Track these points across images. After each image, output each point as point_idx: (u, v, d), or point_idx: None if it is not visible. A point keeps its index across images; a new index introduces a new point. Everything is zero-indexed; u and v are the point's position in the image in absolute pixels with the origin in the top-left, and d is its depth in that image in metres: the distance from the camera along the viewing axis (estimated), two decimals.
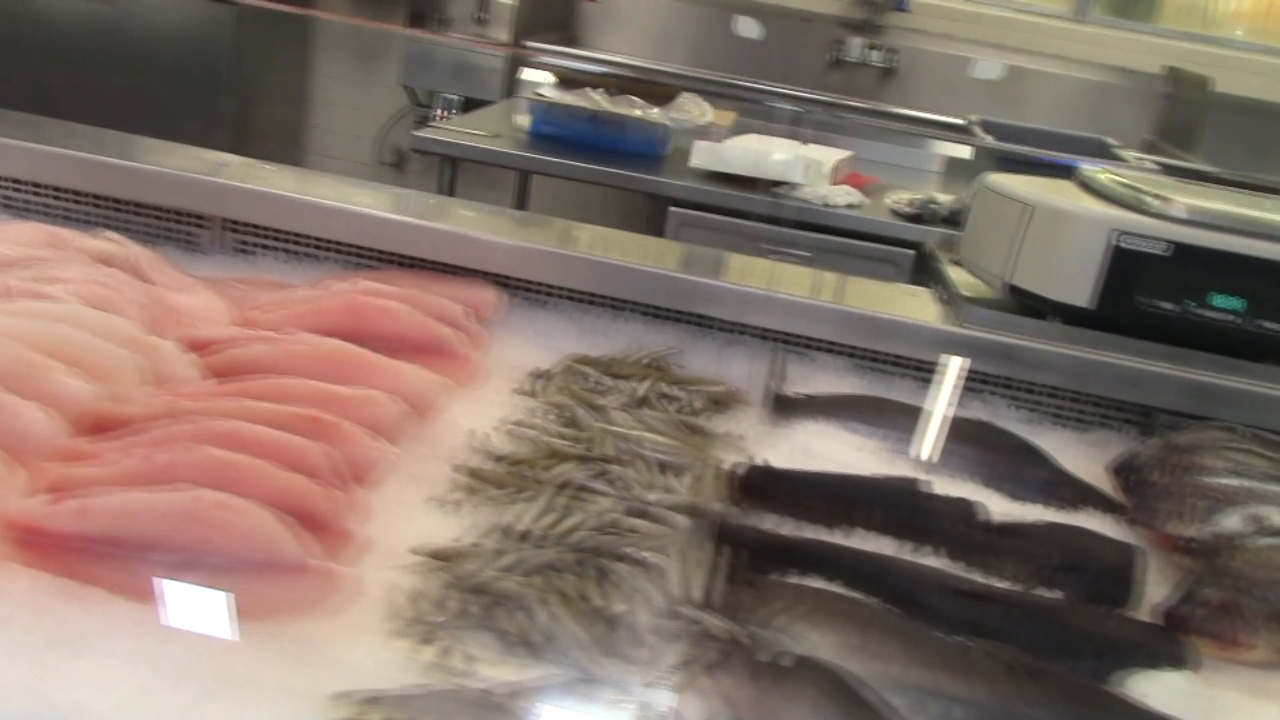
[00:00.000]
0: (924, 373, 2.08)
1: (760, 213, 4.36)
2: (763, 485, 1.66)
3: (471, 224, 2.13)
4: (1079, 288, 2.01)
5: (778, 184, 4.29)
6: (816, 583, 1.49)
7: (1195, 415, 2.00)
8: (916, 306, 2.13)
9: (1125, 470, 1.91)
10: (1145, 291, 2.00)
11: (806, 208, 4.20)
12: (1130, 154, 4.92)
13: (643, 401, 1.92)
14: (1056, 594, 1.60)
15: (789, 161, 4.33)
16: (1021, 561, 1.63)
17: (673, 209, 4.59)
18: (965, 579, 1.52)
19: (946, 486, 1.80)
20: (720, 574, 1.49)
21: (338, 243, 2.12)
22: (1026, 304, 2.09)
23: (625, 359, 2.04)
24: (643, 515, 1.59)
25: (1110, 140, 5.09)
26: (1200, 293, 1.99)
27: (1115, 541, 1.69)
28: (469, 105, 6.31)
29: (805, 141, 4.74)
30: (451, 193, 4.93)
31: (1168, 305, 2.00)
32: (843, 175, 4.52)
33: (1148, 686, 1.43)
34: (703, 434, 1.88)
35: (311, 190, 2.13)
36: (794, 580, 1.50)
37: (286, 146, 7.45)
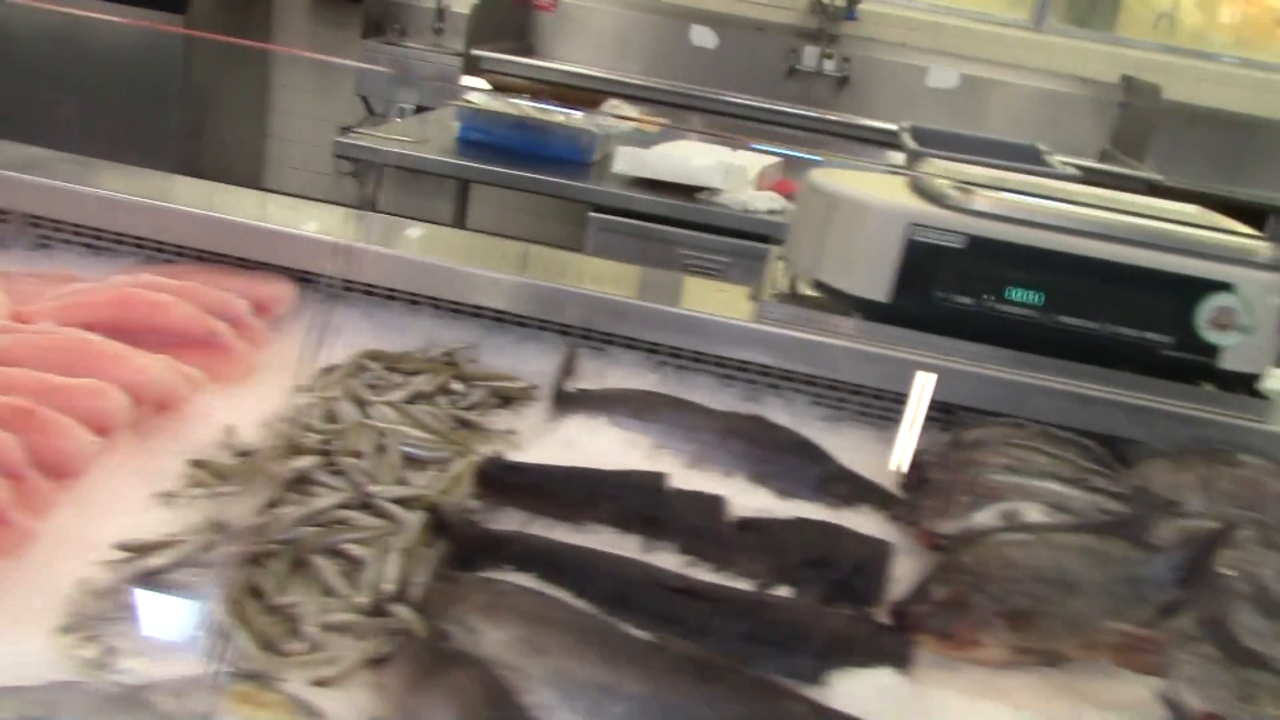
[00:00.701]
0: (725, 369, 2.04)
1: (681, 218, 4.34)
2: (502, 480, 1.63)
3: (270, 218, 2.10)
4: (877, 282, 1.97)
5: (699, 190, 4.27)
6: (525, 578, 1.45)
7: (993, 411, 1.95)
8: (723, 303, 2.09)
9: (910, 467, 1.87)
10: (942, 285, 1.96)
11: (727, 213, 4.17)
12: (1059, 159, 4.87)
13: (422, 397, 1.89)
14: (800, 591, 1.56)
15: (710, 167, 4.30)
16: (764, 558, 1.59)
17: (591, 214, 4.56)
18: (678, 575, 1.48)
19: (714, 483, 1.76)
20: (426, 568, 1.46)
21: (135, 237, 2.09)
22: (833, 300, 2.05)
23: (416, 355, 2.01)
24: (367, 509, 1.56)
25: (1043, 146, 5.04)
26: (998, 286, 1.95)
27: (866, 538, 1.65)
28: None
29: (736, 148, 4.71)
30: (375, 200, 4.92)
31: (965, 299, 1.96)
32: (770, 181, 4.48)
33: (857, 685, 1.39)
34: (476, 429, 1.85)
35: (111, 184, 2.10)
36: (500, 575, 1.46)
37: (246, 158, 7.47)
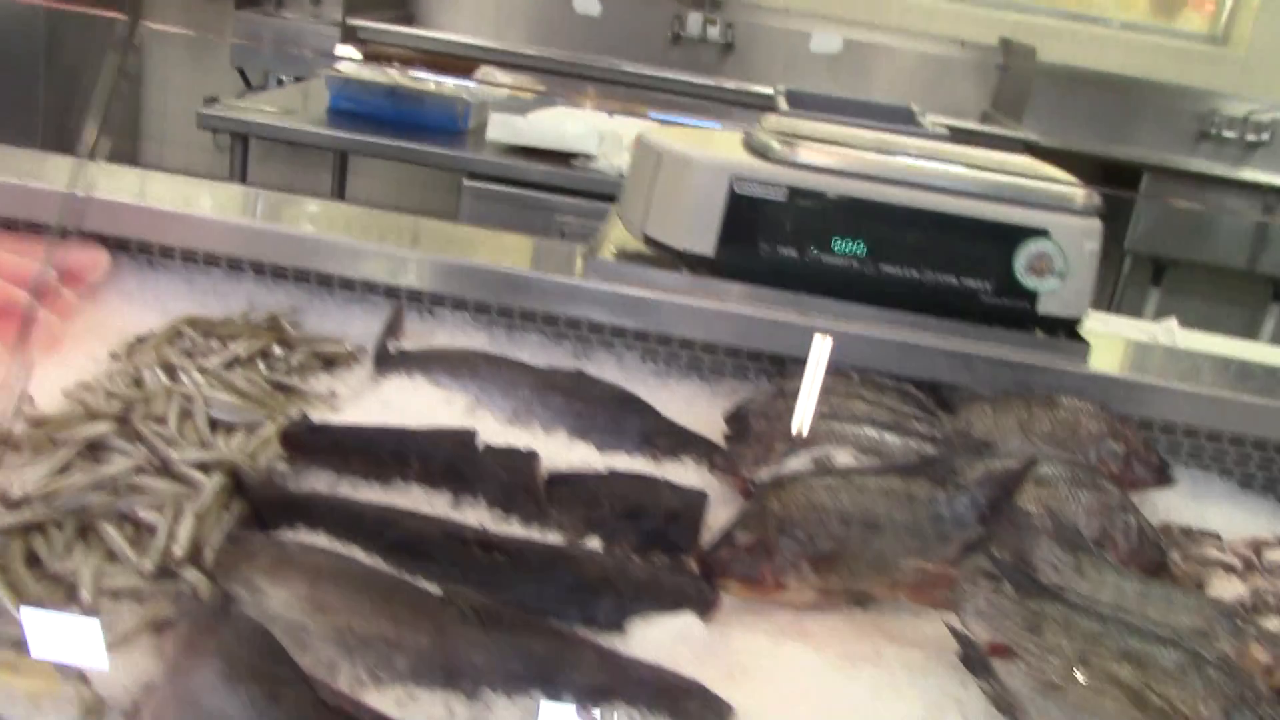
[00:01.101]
0: (555, 328, 2.03)
1: (556, 184, 4.32)
2: (306, 441, 1.60)
3: (81, 185, 2.03)
4: (702, 236, 1.97)
5: (575, 156, 4.25)
6: (319, 537, 1.43)
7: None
8: (553, 261, 2.08)
9: (735, 418, 1.87)
10: (767, 238, 1.96)
11: (602, 179, 4.15)
12: (932, 120, 4.92)
13: (240, 362, 1.85)
14: (613, 543, 1.55)
15: (583, 134, 4.28)
16: (577, 512, 1.58)
17: (466, 182, 4.52)
18: (473, 529, 1.47)
19: (534, 439, 1.75)
20: (221, 531, 1.43)
21: None
22: (662, 255, 2.04)
23: (237, 320, 1.96)
24: (166, 473, 1.52)
25: (916, 108, 5.08)
26: (822, 238, 1.96)
27: (681, 489, 1.65)
28: None
29: (612, 114, 4.69)
30: (244, 172, 4.82)
31: (789, 251, 1.96)
32: None
33: (657, 631, 1.39)
34: (295, 393, 1.81)
35: None
36: (295, 536, 1.43)
37: (118, 133, 7.23)
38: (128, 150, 7.33)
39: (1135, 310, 6.48)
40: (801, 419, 1.77)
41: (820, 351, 1.93)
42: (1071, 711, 1.30)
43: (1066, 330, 2.01)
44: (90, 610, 1.27)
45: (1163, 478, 1.88)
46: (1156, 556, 1.71)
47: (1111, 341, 2.16)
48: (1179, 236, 6.28)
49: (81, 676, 1.17)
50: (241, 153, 4.69)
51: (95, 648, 1.22)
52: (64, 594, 1.30)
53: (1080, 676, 1.31)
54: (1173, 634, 1.36)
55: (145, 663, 1.24)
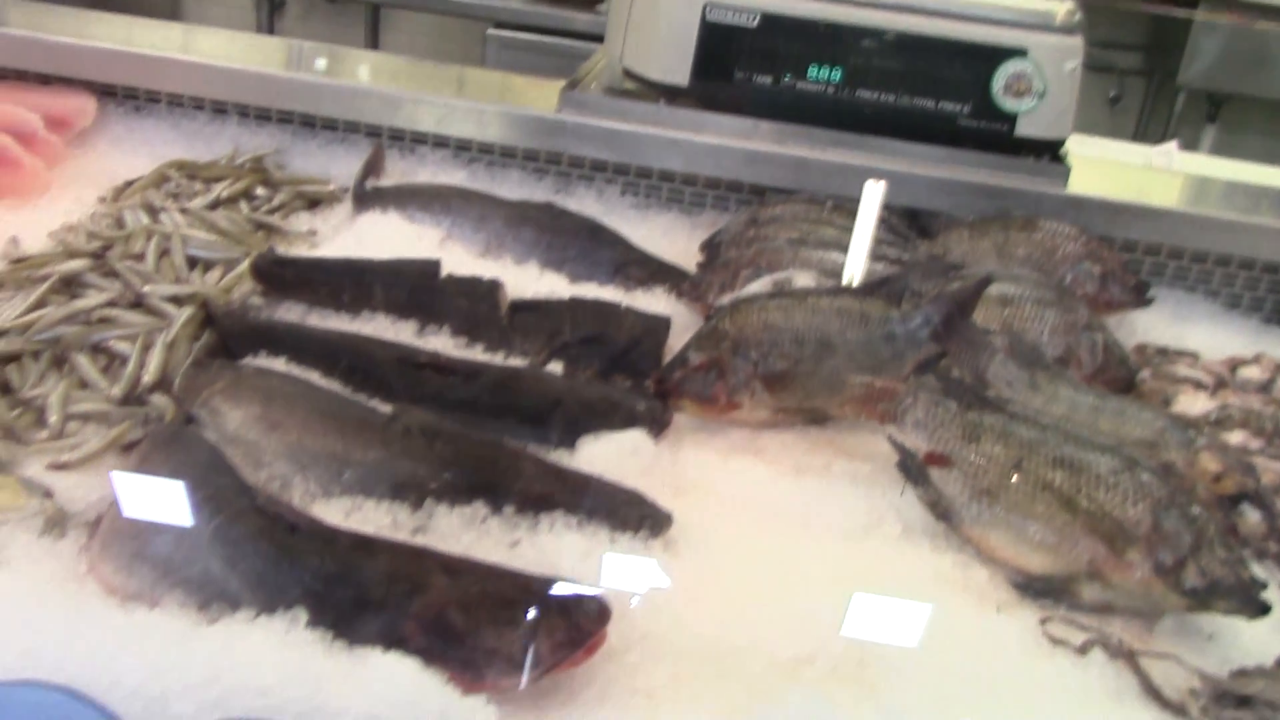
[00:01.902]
0: (535, 163, 2.04)
1: (579, 30, 4.27)
2: (275, 274, 1.65)
3: (70, 32, 2.06)
4: (677, 65, 1.96)
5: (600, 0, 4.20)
6: (281, 364, 1.48)
7: (796, 190, 1.96)
8: (535, 96, 2.08)
9: (709, 247, 1.89)
10: (742, 65, 1.95)
11: None
12: None
13: (224, 203, 1.90)
14: (576, 368, 1.59)
15: None
16: (540, 338, 1.62)
17: (490, 31, 4.49)
18: (428, 353, 1.51)
19: (505, 271, 1.78)
20: (188, 359, 1.49)
21: None
22: (641, 88, 2.04)
23: (222, 163, 2.00)
24: (139, 307, 1.58)
25: None
26: (797, 64, 1.94)
27: (644, 315, 1.68)
28: None
29: None
30: (271, 27, 4.82)
31: (764, 79, 1.95)
32: None
33: (606, 447, 1.44)
34: (276, 231, 1.86)
35: None
36: (257, 363, 1.49)
37: None
38: (167, 7, 7.30)
39: (1191, 149, 6.29)
40: (769, 245, 1.78)
41: (798, 180, 1.94)
42: (1002, 515, 1.34)
43: (1049, 153, 1.98)
44: (56, 433, 1.34)
45: (1140, 299, 1.87)
46: (1123, 374, 1.72)
47: (1100, 165, 2.13)
48: (1237, 69, 6.05)
49: (46, 492, 1.25)
50: (269, 9, 4.69)
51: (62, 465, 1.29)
52: (33, 418, 1.37)
53: (1012, 482, 1.33)
54: (1113, 443, 1.38)
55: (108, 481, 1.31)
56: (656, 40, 1.97)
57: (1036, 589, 1.32)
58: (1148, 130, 6.06)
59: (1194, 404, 1.73)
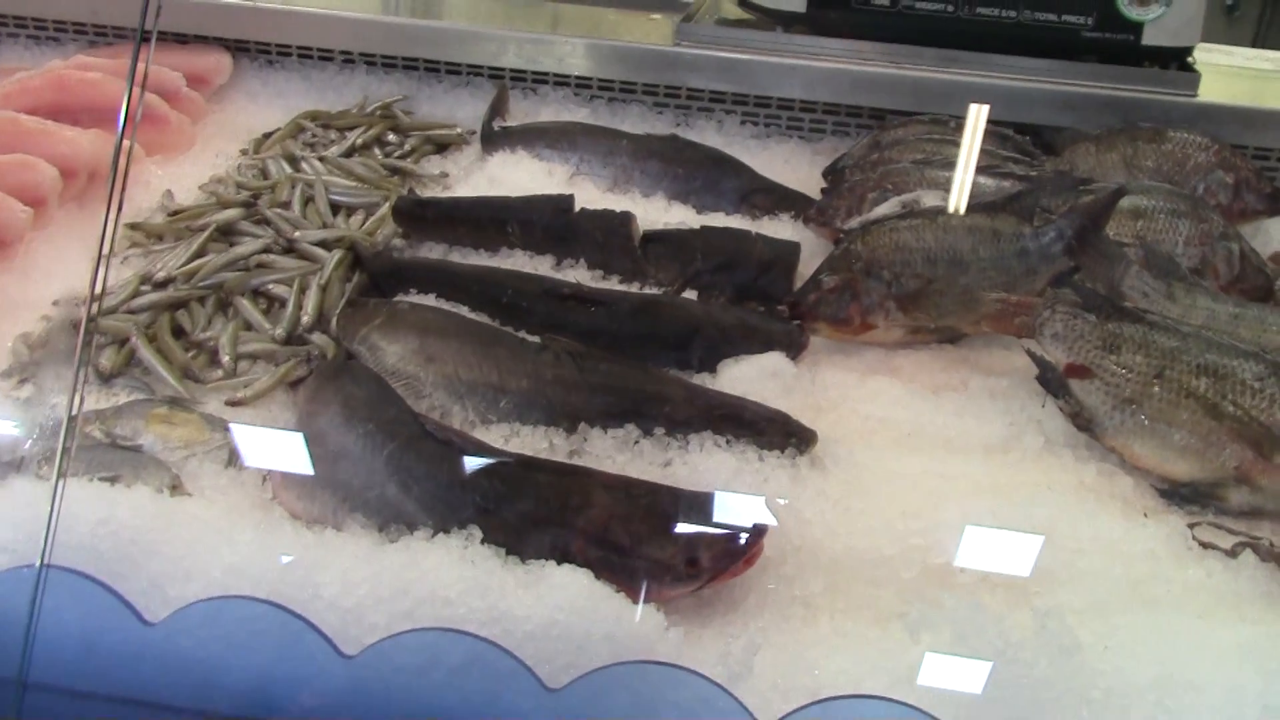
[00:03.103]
0: (654, 98, 2.07)
1: None
2: (416, 215, 1.71)
3: None
4: None
5: None
6: (430, 300, 1.54)
7: (918, 112, 1.96)
8: (648, 31, 2.10)
9: (831, 172, 1.91)
10: None
11: None
12: None
13: (358, 150, 1.96)
14: (709, 295, 1.63)
15: None
16: (672, 267, 1.66)
17: None
18: (571, 284, 1.56)
19: (633, 204, 1.82)
20: (343, 299, 1.55)
21: (74, 23, 2.16)
22: (757, 17, 2.05)
23: (353, 111, 2.07)
24: (290, 252, 1.65)
25: None
26: None
27: (773, 241, 1.70)
28: None
29: None
30: None
31: (881, 0, 1.94)
32: None
33: (746, 369, 1.48)
34: (409, 175, 1.91)
35: None
36: (406, 299, 1.55)
37: None
38: None
39: None
40: (893, 168, 1.79)
41: (919, 102, 1.94)
42: (1146, 423, 1.35)
43: (1176, 61, 1.96)
44: (235, 373, 1.41)
45: (1276, 206, 1.85)
46: (1261, 282, 1.70)
47: (1226, 72, 2.09)
48: None
49: (226, 426, 1.32)
50: None
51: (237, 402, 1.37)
52: (206, 359, 1.45)
53: (1155, 390, 1.34)
54: (1255, 349, 1.38)
55: (282, 414, 1.38)
56: None
57: (1184, 495, 1.33)
58: (1267, 38, 5.85)
59: None
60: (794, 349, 1.51)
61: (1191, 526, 1.28)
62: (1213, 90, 1.96)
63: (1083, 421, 1.39)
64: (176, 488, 1.24)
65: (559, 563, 1.12)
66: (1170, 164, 1.86)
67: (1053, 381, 1.41)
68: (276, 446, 1.32)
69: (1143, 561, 1.25)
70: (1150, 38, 1.91)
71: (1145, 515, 1.30)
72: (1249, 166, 1.85)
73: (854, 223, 1.72)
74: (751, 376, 1.46)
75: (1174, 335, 1.38)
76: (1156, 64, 1.95)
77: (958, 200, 1.71)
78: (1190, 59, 1.97)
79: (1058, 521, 1.28)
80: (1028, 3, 1.90)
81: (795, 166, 1.99)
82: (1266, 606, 1.21)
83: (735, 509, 1.20)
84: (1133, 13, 1.89)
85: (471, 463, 1.19)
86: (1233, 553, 1.25)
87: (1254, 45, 5.65)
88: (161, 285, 1.55)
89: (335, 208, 1.77)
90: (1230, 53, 2.30)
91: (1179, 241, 1.70)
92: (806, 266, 1.67)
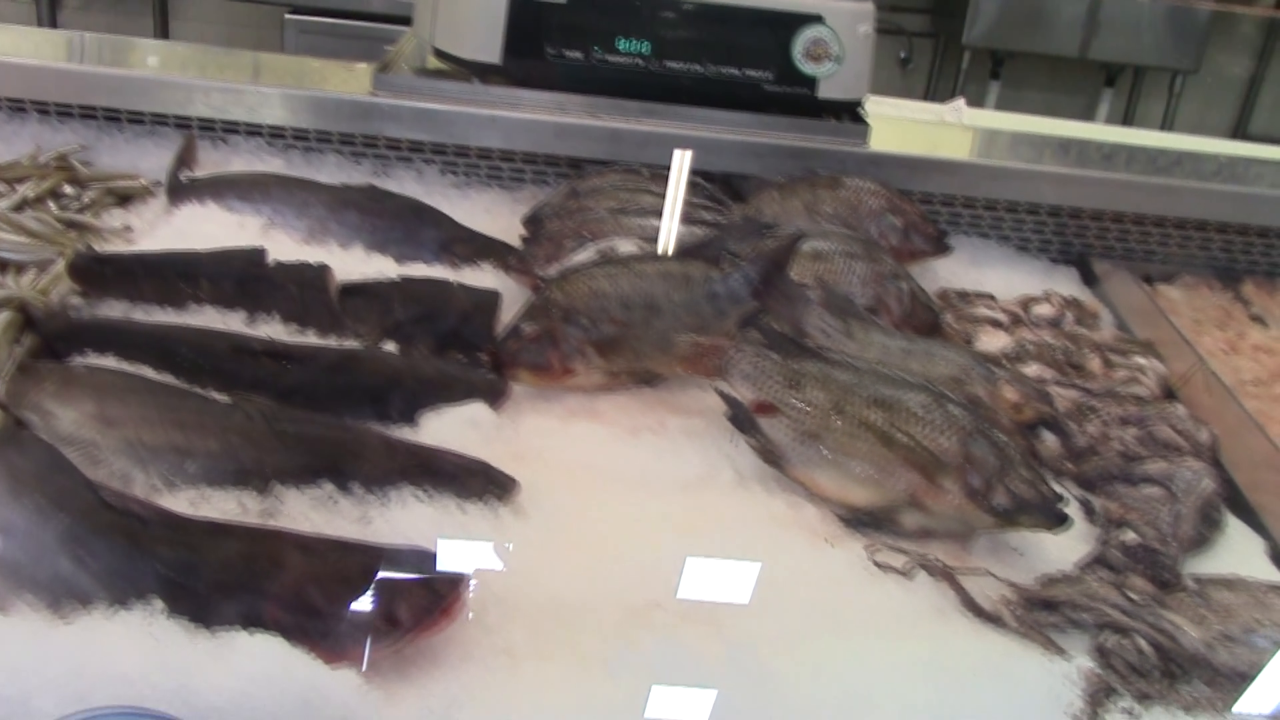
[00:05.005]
0: (352, 147, 2.05)
1: (380, 13, 4.25)
2: (94, 271, 1.62)
3: None
4: (489, 43, 1.99)
5: None
6: (109, 361, 1.46)
7: (612, 161, 2.02)
8: (345, 81, 2.08)
9: (530, 221, 1.93)
10: (552, 41, 1.99)
11: None
12: None
13: (29, 203, 1.84)
14: (409, 346, 1.61)
15: None
16: (371, 319, 1.64)
17: (288, 16, 4.42)
18: (261, 339, 1.52)
19: (331, 256, 1.79)
20: (12, 363, 1.45)
21: None
22: (453, 68, 2.06)
23: (24, 161, 1.94)
24: None
25: None
26: (606, 38, 1.99)
27: (473, 290, 1.71)
28: None
29: None
30: (53, 19, 4.62)
31: (575, 54, 2.00)
32: None
33: (447, 421, 1.47)
34: (88, 229, 1.82)
35: None
36: (83, 361, 1.47)
37: None
38: None
39: (977, 105, 6.59)
40: (590, 216, 1.83)
41: (614, 152, 2.00)
42: (827, 455, 1.43)
43: (848, 114, 2.09)
44: None
45: (940, 246, 2.00)
46: (929, 318, 1.84)
47: (895, 123, 2.25)
48: (1016, 28, 6.37)
49: None
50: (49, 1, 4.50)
51: None
52: None
53: (834, 423, 1.42)
54: (923, 381, 1.48)
55: None
56: (467, 20, 2.00)
57: (863, 521, 1.41)
58: (937, 89, 6.35)
59: (994, 341, 1.87)
60: (496, 397, 1.52)
61: (870, 550, 1.36)
62: (882, 140, 2.11)
63: (770, 456, 1.45)
64: None
65: (250, 631, 1.08)
66: (846, 209, 1.98)
67: (741, 419, 1.47)
68: None
69: (828, 586, 1.32)
70: (824, 91, 2.03)
71: (828, 542, 1.38)
72: (916, 210, 2.00)
73: (553, 270, 1.75)
74: (452, 427, 1.45)
75: (850, 371, 1.47)
76: (831, 115, 2.08)
77: (653, 246, 1.77)
78: (862, 111, 2.11)
79: (750, 553, 1.34)
80: (712, 57, 1.99)
81: (496, 215, 2.01)
82: (938, 619, 1.30)
83: (435, 561, 1.19)
84: (807, 68, 2.01)
85: (152, 530, 1.14)
86: (907, 573, 1.34)
87: (925, 96, 6.11)
88: None
89: (4, 265, 1.66)
90: (898, 105, 2.48)
91: (855, 281, 1.81)
92: (507, 314, 1.68)
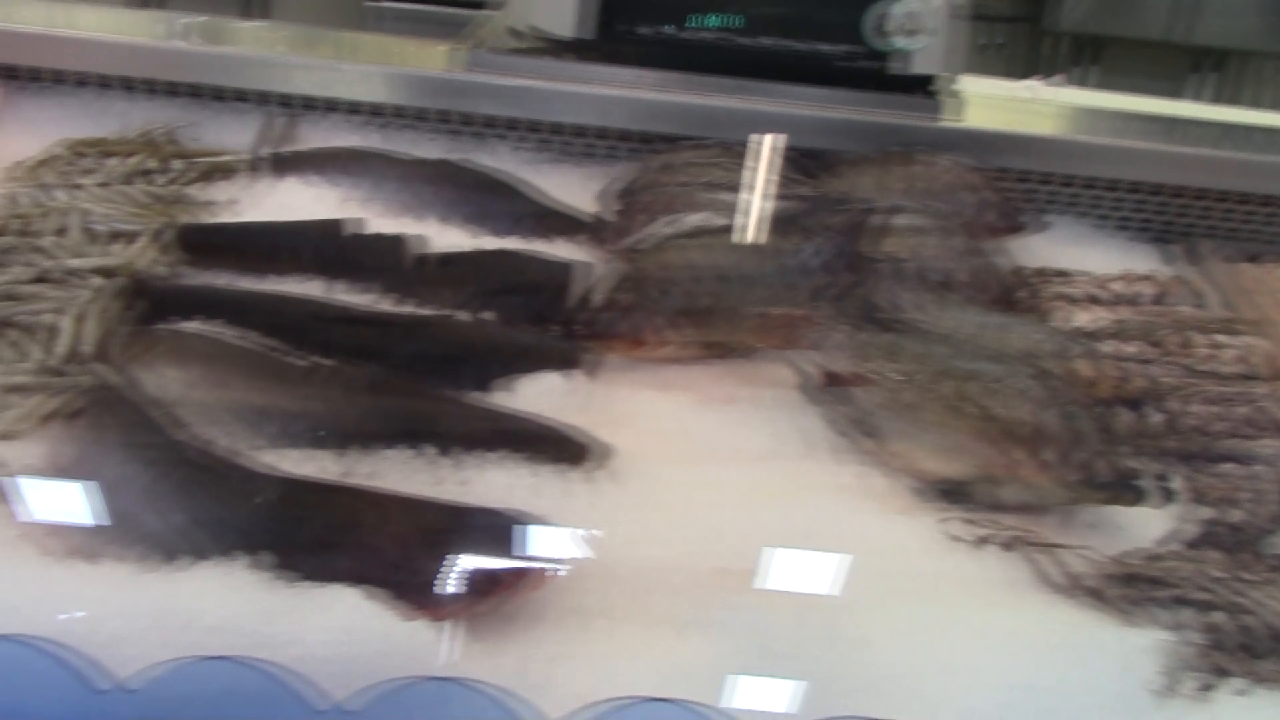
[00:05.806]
0: (428, 123, 2.08)
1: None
2: (199, 242, 1.68)
3: None
4: (564, 17, 2.01)
5: None
6: (209, 325, 1.50)
7: (690, 136, 2.03)
8: (424, 58, 2.12)
9: (605, 195, 1.95)
10: (641, 17, 2.00)
11: None
12: None
13: (121, 177, 1.91)
14: (505, 314, 1.63)
15: None
16: (448, 289, 1.67)
17: (368, 4, 4.48)
18: (344, 307, 1.56)
19: (405, 228, 1.81)
20: (120, 328, 1.50)
21: None
22: (532, 44, 2.09)
23: (124, 138, 2.01)
24: (54, 281, 1.59)
25: None
26: (699, 12, 2.00)
27: (549, 261, 1.73)
28: None
29: None
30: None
31: (667, 28, 2.01)
32: None
33: (525, 388, 1.49)
34: (179, 203, 1.87)
35: None
36: (183, 325, 1.51)
37: None
38: None
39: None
40: (664, 190, 1.85)
41: (691, 126, 2.01)
42: (898, 426, 1.43)
43: (938, 89, 2.09)
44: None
45: (1015, 225, 1.98)
46: (1004, 294, 1.82)
47: (988, 99, 2.24)
48: (1104, 12, 6.23)
49: None
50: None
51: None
52: None
53: (903, 395, 1.42)
54: (999, 352, 1.48)
55: (53, 447, 1.32)
56: None
57: (933, 492, 1.41)
58: (1018, 75, 6.24)
59: (1094, 318, 1.85)
60: (571, 367, 1.53)
61: (942, 522, 1.36)
62: (974, 116, 2.10)
63: (841, 427, 1.46)
64: None
65: (355, 586, 1.10)
66: (918, 185, 1.97)
67: (811, 390, 1.48)
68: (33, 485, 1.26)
69: (897, 556, 1.32)
70: (917, 66, 2.03)
71: (899, 513, 1.38)
72: (993, 187, 1.99)
73: (626, 243, 1.77)
74: (531, 395, 1.48)
75: (923, 342, 1.48)
76: (921, 92, 2.07)
77: (743, 220, 1.77)
78: (952, 86, 2.09)
79: (834, 523, 1.35)
80: (792, 32, 1.99)
81: (571, 189, 2.02)
82: (1010, 592, 1.30)
83: (530, 524, 1.21)
84: (886, 43, 2.00)
85: (233, 486, 1.18)
86: (978, 544, 1.33)
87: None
88: None
89: (115, 234, 1.72)
90: (977, 83, 2.45)
91: (940, 256, 1.80)
92: (582, 286, 1.70)
